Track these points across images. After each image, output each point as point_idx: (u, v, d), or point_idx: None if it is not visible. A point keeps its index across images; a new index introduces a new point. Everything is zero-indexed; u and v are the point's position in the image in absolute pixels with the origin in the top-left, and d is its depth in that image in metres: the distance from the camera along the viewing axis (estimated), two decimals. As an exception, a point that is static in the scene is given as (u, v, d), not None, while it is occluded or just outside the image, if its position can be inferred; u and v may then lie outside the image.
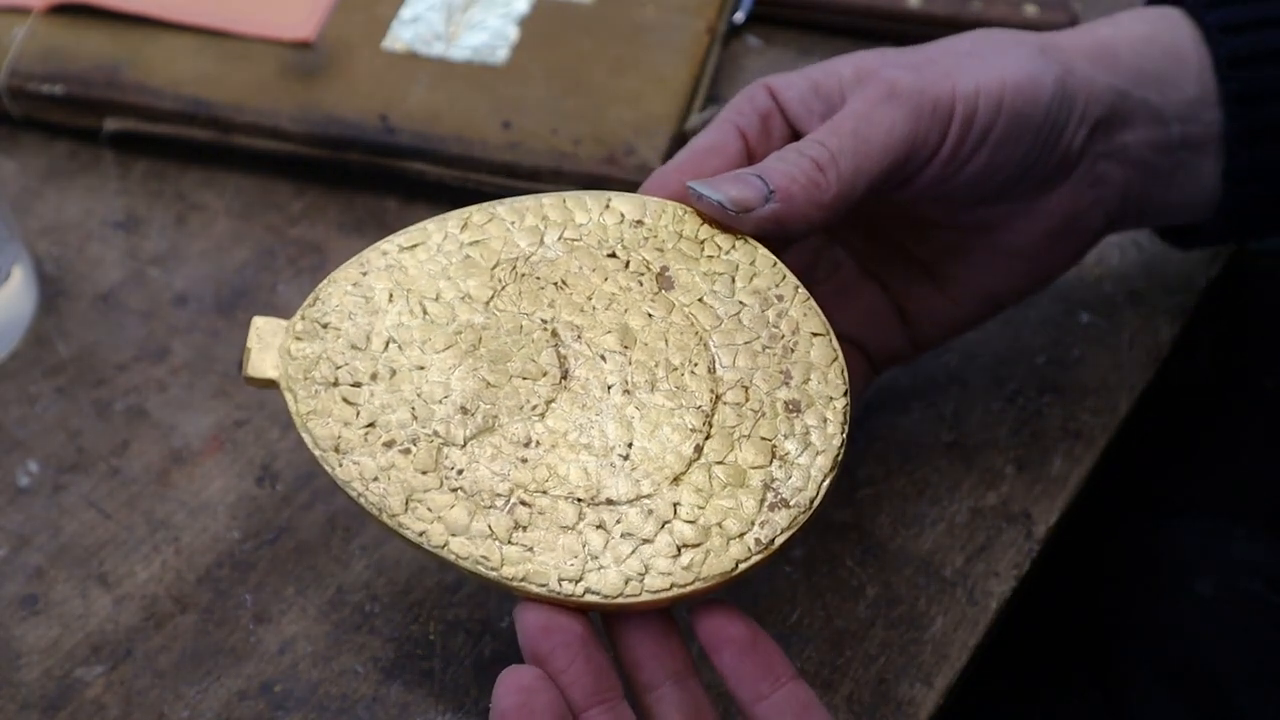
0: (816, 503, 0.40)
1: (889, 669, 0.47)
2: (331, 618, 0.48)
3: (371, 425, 0.40)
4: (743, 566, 0.39)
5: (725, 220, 0.43)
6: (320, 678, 0.46)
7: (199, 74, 0.60)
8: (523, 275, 0.42)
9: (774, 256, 0.42)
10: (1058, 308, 0.56)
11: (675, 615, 0.41)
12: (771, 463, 0.40)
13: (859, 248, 0.50)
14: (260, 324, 0.41)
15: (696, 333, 0.41)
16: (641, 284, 0.42)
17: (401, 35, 0.61)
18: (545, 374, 0.41)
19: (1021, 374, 0.54)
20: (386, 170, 0.59)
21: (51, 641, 0.47)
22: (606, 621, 0.41)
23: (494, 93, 0.59)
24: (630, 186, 0.56)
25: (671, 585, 0.39)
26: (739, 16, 0.65)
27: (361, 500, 0.40)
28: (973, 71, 0.45)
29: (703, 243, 0.42)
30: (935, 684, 0.46)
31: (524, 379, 0.41)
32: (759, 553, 0.39)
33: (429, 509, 0.39)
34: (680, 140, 0.58)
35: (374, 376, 0.41)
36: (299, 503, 0.50)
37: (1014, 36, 0.47)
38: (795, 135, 0.46)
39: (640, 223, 0.42)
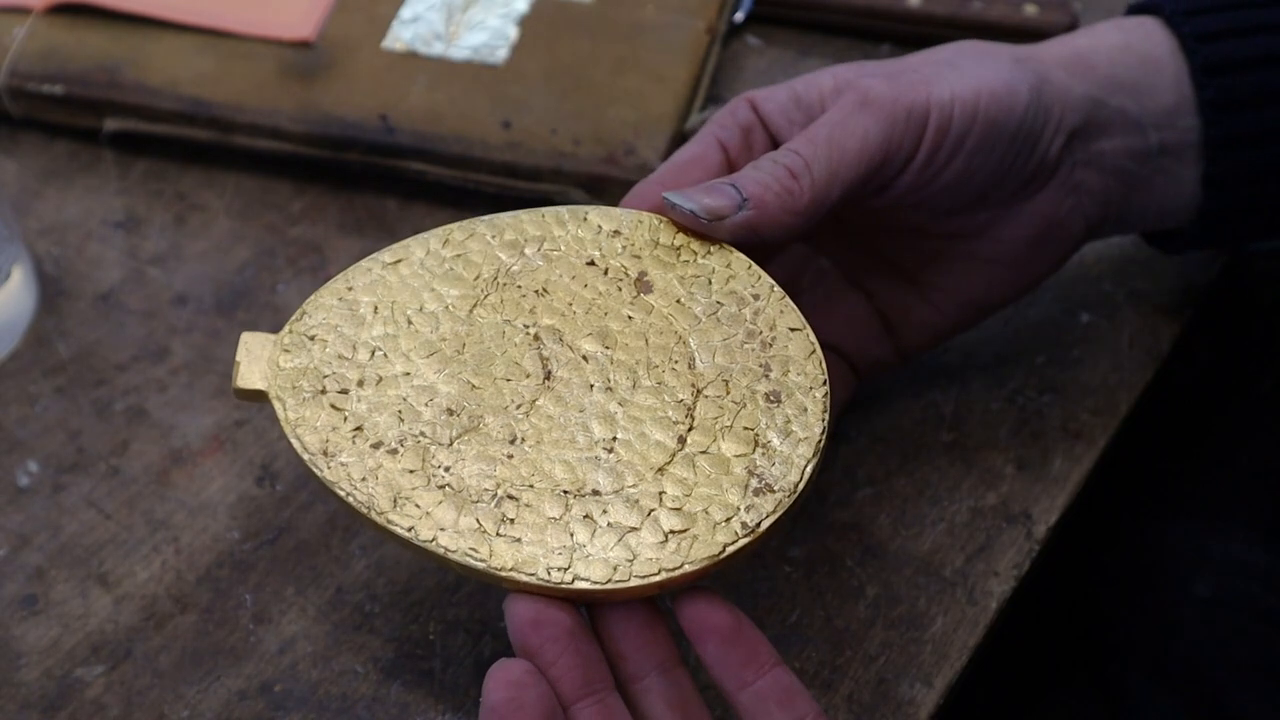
0: (801, 487, 0.40)
1: (889, 669, 0.47)
2: (331, 618, 0.48)
3: (359, 429, 0.41)
4: (730, 550, 0.40)
5: (700, 229, 0.43)
6: (320, 678, 0.46)
7: (199, 74, 0.60)
8: (504, 285, 0.43)
9: (749, 260, 0.43)
10: (1058, 308, 0.56)
11: (661, 609, 0.41)
12: (755, 451, 0.41)
13: (842, 257, 0.50)
14: (248, 338, 0.42)
15: (676, 332, 0.42)
16: (620, 289, 0.43)
17: (401, 35, 0.61)
18: (528, 375, 0.42)
19: (1021, 374, 0.54)
20: (386, 170, 0.59)
21: (51, 641, 0.47)
22: (592, 614, 0.41)
23: (494, 93, 0.59)
24: (630, 186, 0.56)
25: (660, 570, 0.39)
26: (739, 16, 0.65)
27: (350, 500, 0.40)
28: (949, 80, 0.45)
29: (679, 249, 0.43)
30: (935, 684, 0.46)
31: (507, 380, 0.41)
32: (745, 536, 0.40)
33: (417, 506, 0.40)
34: (680, 140, 0.58)
35: (360, 383, 0.42)
36: (299, 503, 0.50)
37: (991, 47, 0.47)
38: (776, 147, 0.47)
39: (617, 233, 0.44)
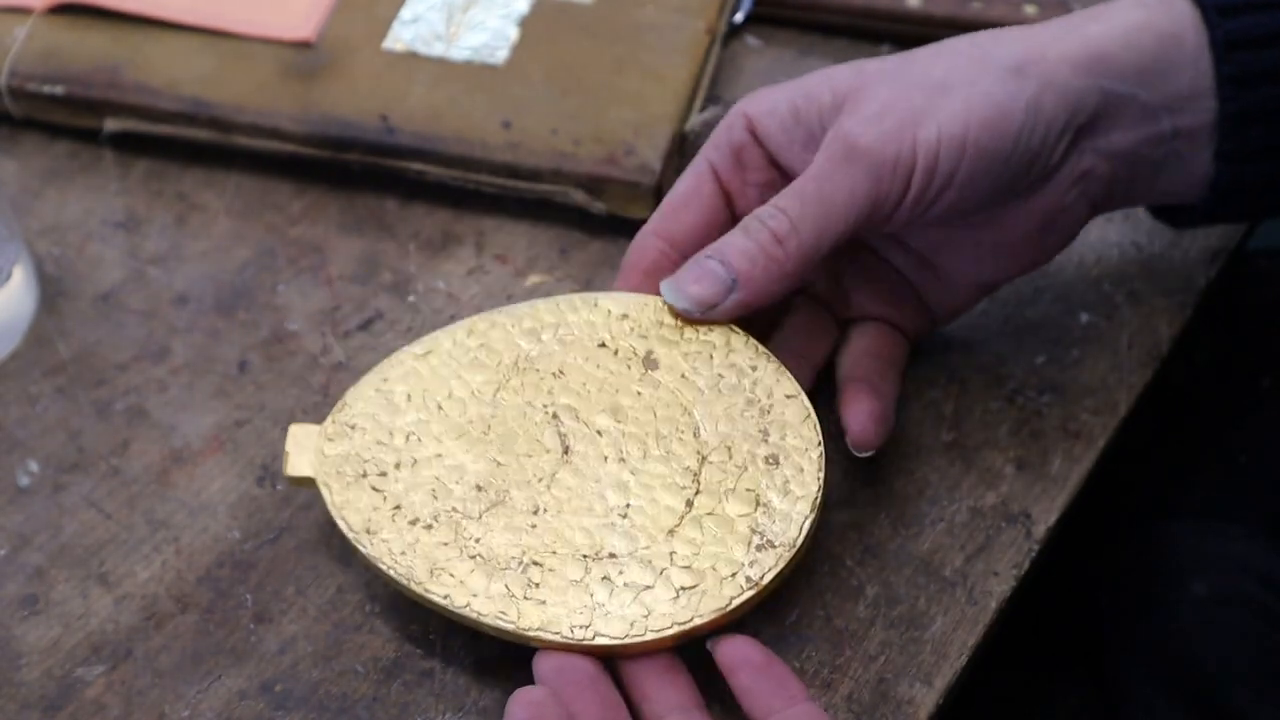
0: (800, 541, 0.44)
1: (889, 669, 0.47)
2: (331, 617, 0.48)
3: (397, 507, 0.45)
4: (736, 602, 0.43)
5: (697, 319, 0.47)
6: (320, 678, 0.46)
7: (199, 74, 0.60)
8: (524, 369, 0.47)
9: (746, 335, 0.47)
10: (1058, 308, 0.56)
11: (686, 656, 0.44)
12: (756, 510, 0.45)
13: (870, 238, 0.51)
14: (296, 430, 0.47)
15: (681, 404, 0.46)
16: (629, 368, 0.47)
17: (402, 35, 0.61)
18: (548, 451, 0.46)
19: (1021, 374, 0.54)
20: (386, 170, 0.59)
21: (52, 641, 0.47)
22: (617, 665, 0.44)
23: (494, 93, 0.59)
24: (630, 187, 0.56)
25: (672, 624, 0.43)
26: (739, 16, 0.65)
27: (391, 572, 0.44)
28: (937, 112, 0.45)
29: (682, 329, 0.47)
30: (935, 684, 0.46)
31: (529, 456, 0.46)
32: (750, 589, 0.43)
33: (451, 575, 0.44)
34: (680, 140, 0.58)
35: (398, 465, 0.46)
36: (299, 503, 0.50)
37: (990, 53, 0.47)
38: (773, 162, 0.48)
39: (625, 316, 0.48)
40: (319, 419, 0.52)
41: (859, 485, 0.51)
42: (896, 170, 0.45)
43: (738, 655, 0.43)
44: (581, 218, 0.58)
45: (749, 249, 0.45)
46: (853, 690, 0.46)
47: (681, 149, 0.58)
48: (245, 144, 0.59)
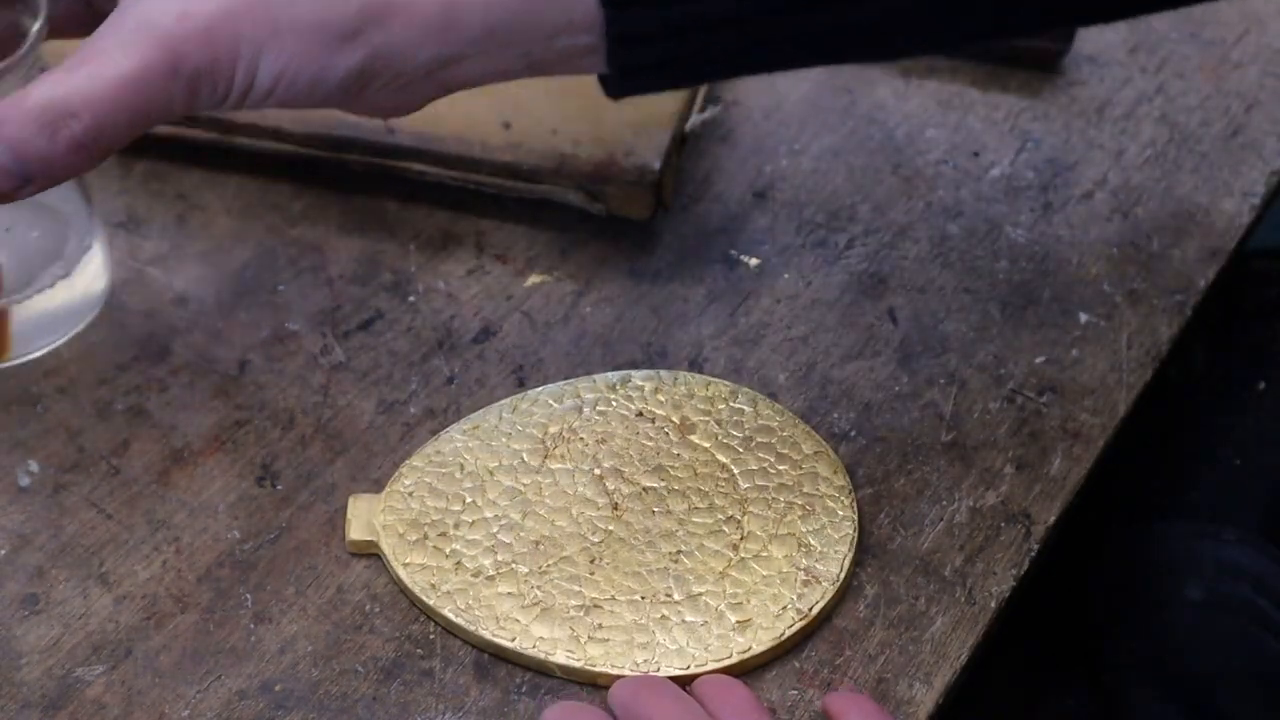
0: (842, 576, 0.47)
1: (889, 668, 0.47)
2: (331, 617, 0.48)
3: (459, 563, 0.48)
4: (789, 632, 0.46)
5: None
6: (320, 677, 0.46)
7: (199, 74, 0.60)
8: (569, 439, 0.50)
9: (772, 401, 0.52)
10: (1057, 308, 0.56)
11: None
12: (798, 551, 0.48)
13: None
14: (355, 500, 0.49)
15: (719, 462, 0.50)
16: (667, 433, 0.51)
17: (401, 35, 0.61)
18: (599, 508, 0.49)
19: (1021, 374, 0.54)
20: (386, 170, 0.59)
21: (52, 641, 0.47)
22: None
23: (494, 93, 0.59)
24: (630, 187, 0.56)
25: (732, 653, 0.46)
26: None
27: (459, 620, 0.46)
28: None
29: (710, 399, 0.52)
30: (935, 683, 0.46)
31: (582, 513, 0.49)
32: (801, 620, 0.46)
33: (517, 621, 0.46)
34: (680, 140, 0.58)
35: (456, 526, 0.48)
36: (299, 503, 0.50)
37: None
38: None
39: (658, 390, 0.52)
40: (319, 419, 0.53)
41: (859, 485, 0.51)
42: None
43: (851, 700, 0.44)
44: (581, 218, 0.58)
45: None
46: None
47: (681, 149, 0.58)
48: (245, 144, 0.59)
